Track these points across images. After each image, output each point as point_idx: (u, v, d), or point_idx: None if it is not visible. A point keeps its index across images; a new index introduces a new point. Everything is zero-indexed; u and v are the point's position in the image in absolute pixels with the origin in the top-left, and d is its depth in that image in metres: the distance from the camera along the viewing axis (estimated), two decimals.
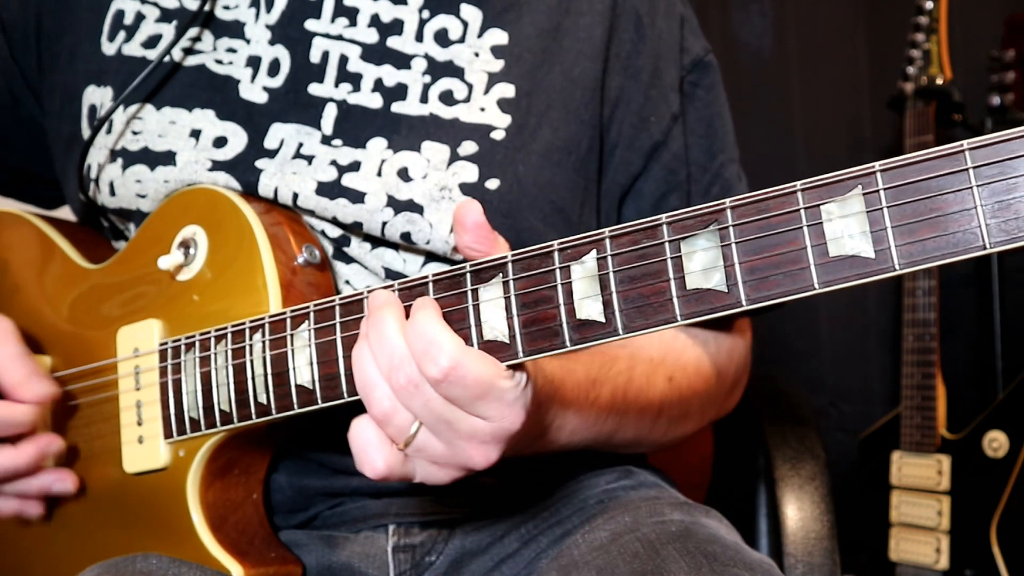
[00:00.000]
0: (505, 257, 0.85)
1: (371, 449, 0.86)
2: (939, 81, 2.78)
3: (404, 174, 1.10)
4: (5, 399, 1.12)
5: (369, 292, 0.91)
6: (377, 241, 1.13)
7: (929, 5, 2.82)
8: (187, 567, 1.05)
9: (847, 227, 0.72)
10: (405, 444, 0.86)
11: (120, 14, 1.23)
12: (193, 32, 1.19)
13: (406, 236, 1.09)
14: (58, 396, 1.14)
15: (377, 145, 1.11)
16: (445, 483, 0.90)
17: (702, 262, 0.77)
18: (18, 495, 1.17)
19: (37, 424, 1.13)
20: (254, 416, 1.00)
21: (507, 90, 1.14)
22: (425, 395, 0.83)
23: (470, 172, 1.10)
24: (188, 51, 1.19)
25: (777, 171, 3.26)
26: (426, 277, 0.89)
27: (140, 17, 1.22)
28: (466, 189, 1.09)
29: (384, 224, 1.09)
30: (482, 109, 1.13)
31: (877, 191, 0.71)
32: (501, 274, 0.85)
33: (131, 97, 1.16)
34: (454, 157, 1.10)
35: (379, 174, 1.10)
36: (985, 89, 2.83)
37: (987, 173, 0.67)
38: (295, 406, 0.97)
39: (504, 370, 0.83)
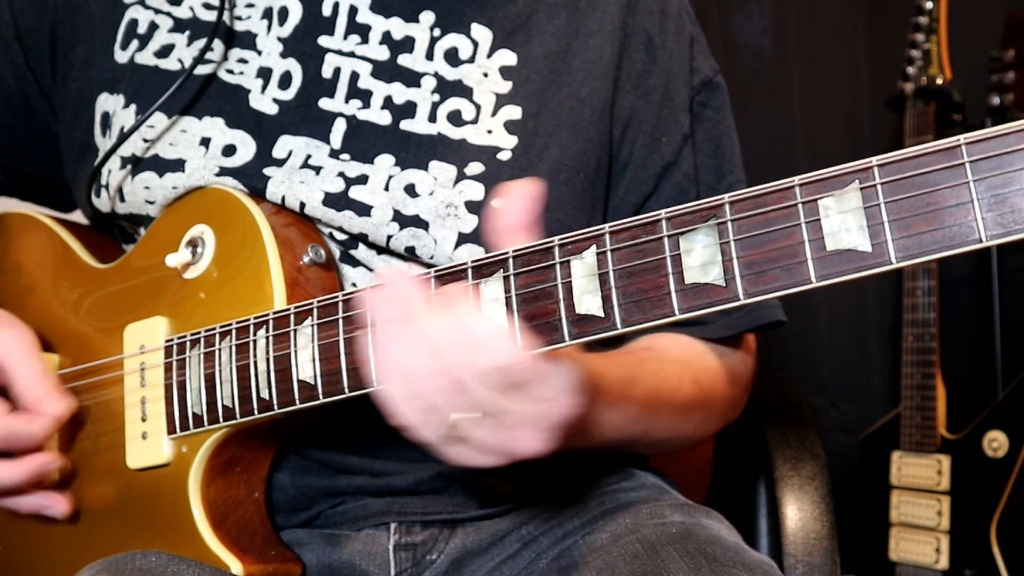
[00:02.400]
0: (506, 253, 0.86)
1: (397, 404, 0.85)
2: (939, 81, 2.78)
3: (411, 190, 1.10)
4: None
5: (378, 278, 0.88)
6: (383, 249, 1.14)
7: (929, 5, 2.83)
8: (186, 564, 1.05)
9: (844, 221, 0.72)
10: (446, 436, 0.85)
11: (134, 23, 1.24)
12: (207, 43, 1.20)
13: (411, 250, 1.10)
14: (74, 411, 1.15)
15: (385, 162, 1.12)
16: (487, 467, 0.88)
17: (700, 257, 0.78)
18: (9, 509, 1.19)
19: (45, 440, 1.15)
20: (256, 412, 1.00)
21: (514, 112, 1.15)
22: (474, 393, 0.81)
23: (476, 191, 1.11)
24: (200, 61, 1.19)
25: (777, 171, 3.21)
26: (428, 273, 0.90)
27: (154, 27, 1.23)
28: (472, 207, 1.10)
29: (389, 238, 1.10)
30: (489, 131, 1.14)
31: (874, 186, 0.72)
32: (502, 269, 0.86)
33: (144, 106, 1.17)
34: (460, 176, 1.11)
35: (386, 188, 1.11)
36: (985, 89, 2.83)
37: (984, 167, 0.68)
38: (296, 401, 0.97)
39: (551, 358, 0.83)
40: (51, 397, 1.13)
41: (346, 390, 0.94)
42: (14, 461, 1.13)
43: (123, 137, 1.17)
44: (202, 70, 1.19)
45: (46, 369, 1.16)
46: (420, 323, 0.82)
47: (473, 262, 0.88)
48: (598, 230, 0.82)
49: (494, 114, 1.15)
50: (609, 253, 0.81)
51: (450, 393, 0.82)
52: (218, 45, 1.20)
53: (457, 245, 1.09)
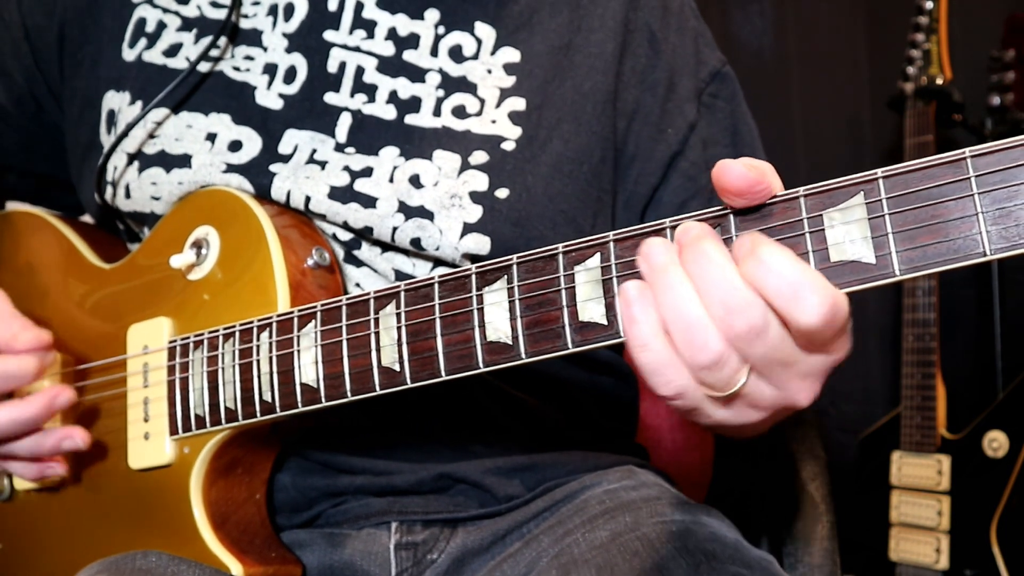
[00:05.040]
0: (510, 259, 0.86)
1: (668, 369, 0.74)
2: (939, 81, 2.78)
3: (415, 181, 1.11)
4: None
5: (674, 223, 0.80)
6: (387, 246, 1.14)
7: (929, 5, 2.83)
8: (186, 565, 1.05)
9: (848, 232, 0.72)
10: (727, 396, 0.75)
11: (142, 22, 1.25)
12: (211, 41, 1.20)
13: (416, 242, 1.10)
14: (50, 342, 1.11)
15: (389, 153, 1.13)
16: (755, 423, 0.80)
17: None
18: (33, 456, 1.15)
19: (41, 378, 1.12)
20: (259, 414, 1.01)
21: (518, 103, 1.16)
22: (769, 341, 0.72)
23: (480, 181, 1.11)
24: (207, 58, 1.20)
25: (777, 171, 3.25)
26: (432, 278, 0.90)
27: (162, 26, 1.24)
28: (476, 197, 1.11)
29: (394, 229, 1.10)
30: (493, 121, 1.15)
31: (879, 199, 0.72)
32: (506, 277, 0.86)
33: (149, 103, 1.18)
34: (465, 166, 1.12)
35: (391, 180, 1.11)
36: (985, 89, 2.83)
37: (989, 181, 0.68)
38: (299, 404, 0.98)
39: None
40: (24, 332, 1.10)
41: (348, 393, 0.94)
42: (25, 399, 1.10)
43: (126, 130, 1.17)
44: (209, 68, 1.20)
45: (14, 312, 1.14)
46: (710, 264, 0.73)
47: (477, 268, 0.88)
48: (602, 238, 0.82)
49: (498, 105, 1.16)
50: (613, 261, 0.81)
51: (740, 342, 0.72)
52: (225, 43, 1.21)
53: (463, 235, 1.09)
